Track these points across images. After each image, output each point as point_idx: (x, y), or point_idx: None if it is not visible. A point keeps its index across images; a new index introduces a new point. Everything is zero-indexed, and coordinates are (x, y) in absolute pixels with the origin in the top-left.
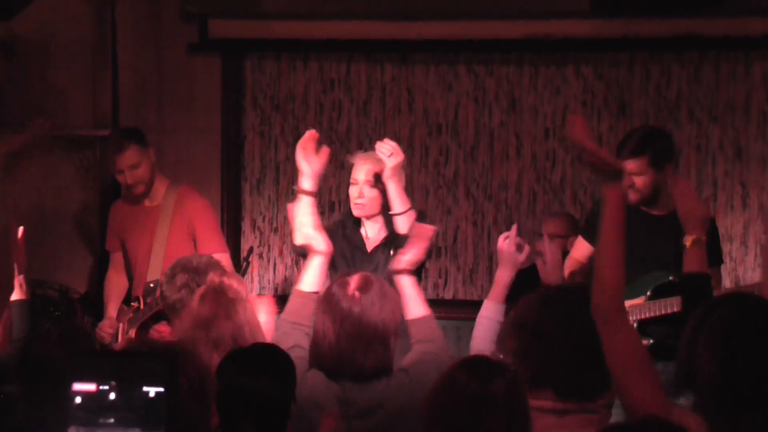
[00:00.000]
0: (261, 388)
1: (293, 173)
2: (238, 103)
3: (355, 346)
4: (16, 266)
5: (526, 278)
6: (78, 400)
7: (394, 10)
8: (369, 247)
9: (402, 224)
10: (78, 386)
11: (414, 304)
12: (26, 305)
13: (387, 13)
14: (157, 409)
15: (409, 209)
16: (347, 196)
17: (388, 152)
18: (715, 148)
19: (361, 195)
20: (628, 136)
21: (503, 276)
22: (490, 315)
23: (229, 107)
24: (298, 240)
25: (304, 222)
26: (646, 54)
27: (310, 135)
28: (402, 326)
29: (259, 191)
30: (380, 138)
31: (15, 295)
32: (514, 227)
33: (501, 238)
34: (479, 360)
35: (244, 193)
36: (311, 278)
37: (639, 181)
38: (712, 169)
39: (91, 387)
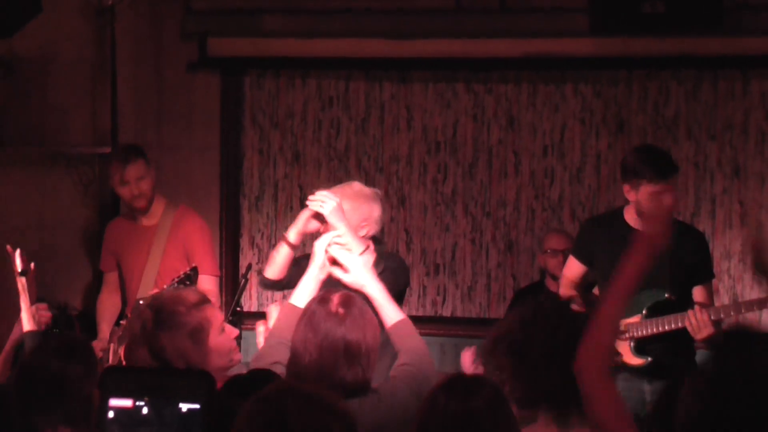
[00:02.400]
0: None
1: (291, 190)
2: (237, 121)
3: (338, 361)
4: (28, 298)
5: (530, 294)
6: (111, 414)
7: (393, 29)
8: None
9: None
10: (114, 402)
11: (387, 312)
12: (39, 337)
13: (386, 31)
14: (190, 425)
15: (366, 248)
16: None
17: (320, 202)
18: (714, 166)
19: None
20: (659, 156)
21: None
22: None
23: (228, 125)
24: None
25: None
26: (644, 72)
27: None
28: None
29: (258, 208)
30: (379, 155)
31: (27, 326)
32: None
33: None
34: (457, 378)
35: (242, 210)
36: (306, 295)
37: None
38: (711, 187)
39: (127, 403)
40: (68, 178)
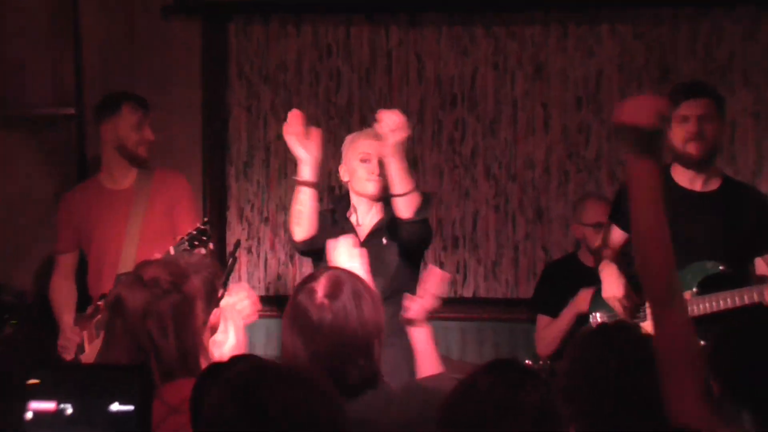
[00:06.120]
0: None
1: (285, 154)
2: (221, 75)
3: (332, 363)
4: None
5: (561, 269)
6: (29, 415)
7: None
8: (361, 236)
9: (404, 208)
10: (35, 405)
11: (426, 361)
12: None
13: None
14: (121, 427)
15: (412, 190)
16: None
17: (392, 126)
18: None
19: (378, 171)
20: (687, 82)
21: None
22: None
23: (211, 79)
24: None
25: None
26: (693, 8)
27: (295, 117)
28: (398, 326)
29: (247, 176)
30: None
31: None
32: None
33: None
34: (506, 363)
35: (229, 177)
36: None
37: (709, 128)
38: None
39: (50, 405)
40: (28, 143)
